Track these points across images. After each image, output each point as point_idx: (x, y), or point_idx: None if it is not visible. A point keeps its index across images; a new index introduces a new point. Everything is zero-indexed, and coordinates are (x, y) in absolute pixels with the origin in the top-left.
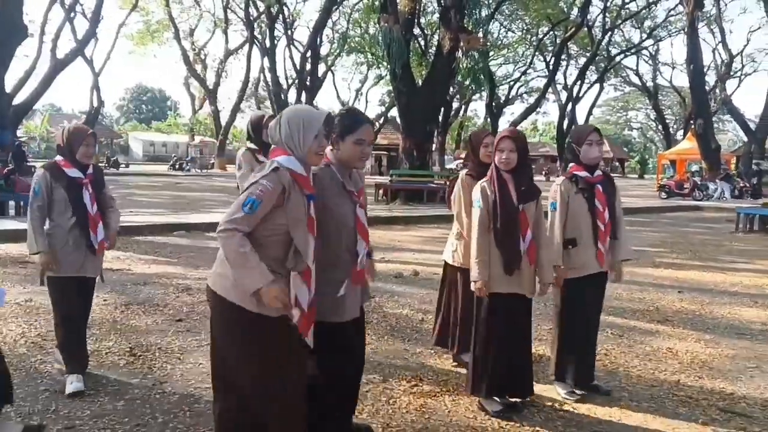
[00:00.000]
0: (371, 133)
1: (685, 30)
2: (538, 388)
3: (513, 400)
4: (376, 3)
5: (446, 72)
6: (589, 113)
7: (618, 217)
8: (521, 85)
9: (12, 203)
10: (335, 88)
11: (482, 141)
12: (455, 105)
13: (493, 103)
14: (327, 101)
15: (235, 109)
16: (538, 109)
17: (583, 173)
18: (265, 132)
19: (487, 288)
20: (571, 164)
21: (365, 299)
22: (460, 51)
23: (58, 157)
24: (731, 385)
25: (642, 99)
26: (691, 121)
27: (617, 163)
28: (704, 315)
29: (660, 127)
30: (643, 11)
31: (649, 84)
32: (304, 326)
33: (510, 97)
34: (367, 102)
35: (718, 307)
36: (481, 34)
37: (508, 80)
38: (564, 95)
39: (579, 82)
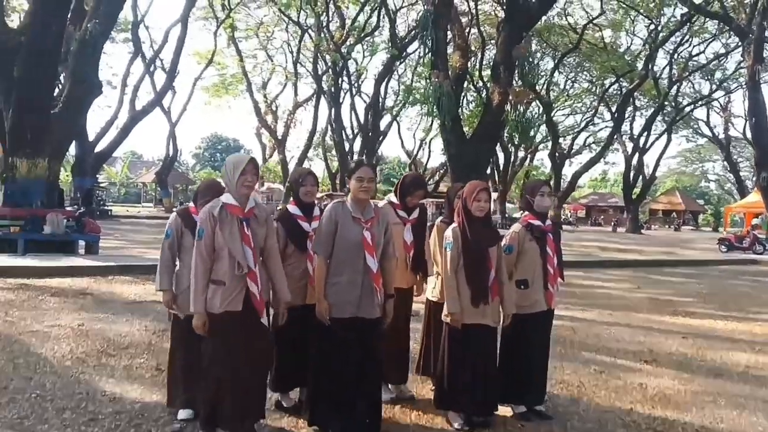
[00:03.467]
0: (368, 172)
1: (746, 84)
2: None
3: (478, 419)
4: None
5: (495, 124)
6: (657, 164)
7: None
8: (588, 135)
9: (81, 243)
10: (400, 137)
11: (456, 193)
12: (521, 154)
13: (556, 153)
14: (393, 150)
15: (302, 158)
16: (605, 160)
17: (537, 222)
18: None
19: (462, 318)
20: (525, 213)
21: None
22: (508, 104)
23: (190, 204)
24: (679, 414)
25: (717, 150)
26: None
27: (690, 215)
28: (694, 357)
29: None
30: (712, 63)
31: (721, 136)
32: (260, 311)
33: (577, 146)
34: (430, 151)
35: (713, 351)
36: (542, 89)
37: (576, 130)
38: (630, 146)
39: (645, 133)
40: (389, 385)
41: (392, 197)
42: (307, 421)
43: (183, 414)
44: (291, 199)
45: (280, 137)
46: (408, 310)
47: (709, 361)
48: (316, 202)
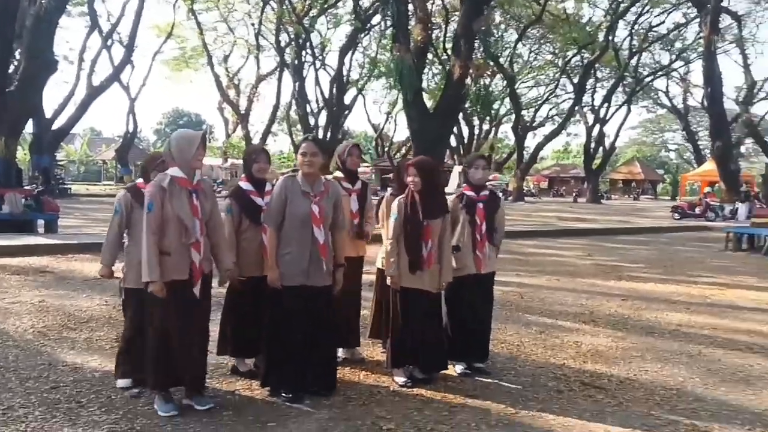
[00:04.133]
0: (310, 147)
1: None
2: None
3: (420, 375)
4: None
5: (457, 98)
6: (617, 135)
7: (498, 229)
8: (551, 107)
9: (41, 222)
10: (366, 111)
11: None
12: (485, 127)
13: (519, 126)
14: (359, 125)
15: (266, 132)
16: (567, 132)
17: (470, 192)
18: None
19: (399, 281)
20: (464, 184)
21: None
22: (469, 78)
23: (138, 180)
24: (608, 368)
25: (677, 120)
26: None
27: (649, 185)
28: (631, 318)
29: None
30: (672, 33)
31: (680, 105)
32: (195, 279)
33: (540, 119)
34: (396, 125)
35: (650, 312)
36: (506, 61)
37: (538, 103)
38: (591, 117)
39: (606, 104)
40: (341, 349)
41: (338, 173)
42: (260, 384)
43: (121, 383)
44: (242, 175)
45: (243, 112)
46: (358, 277)
47: (644, 320)
48: (280, 178)
